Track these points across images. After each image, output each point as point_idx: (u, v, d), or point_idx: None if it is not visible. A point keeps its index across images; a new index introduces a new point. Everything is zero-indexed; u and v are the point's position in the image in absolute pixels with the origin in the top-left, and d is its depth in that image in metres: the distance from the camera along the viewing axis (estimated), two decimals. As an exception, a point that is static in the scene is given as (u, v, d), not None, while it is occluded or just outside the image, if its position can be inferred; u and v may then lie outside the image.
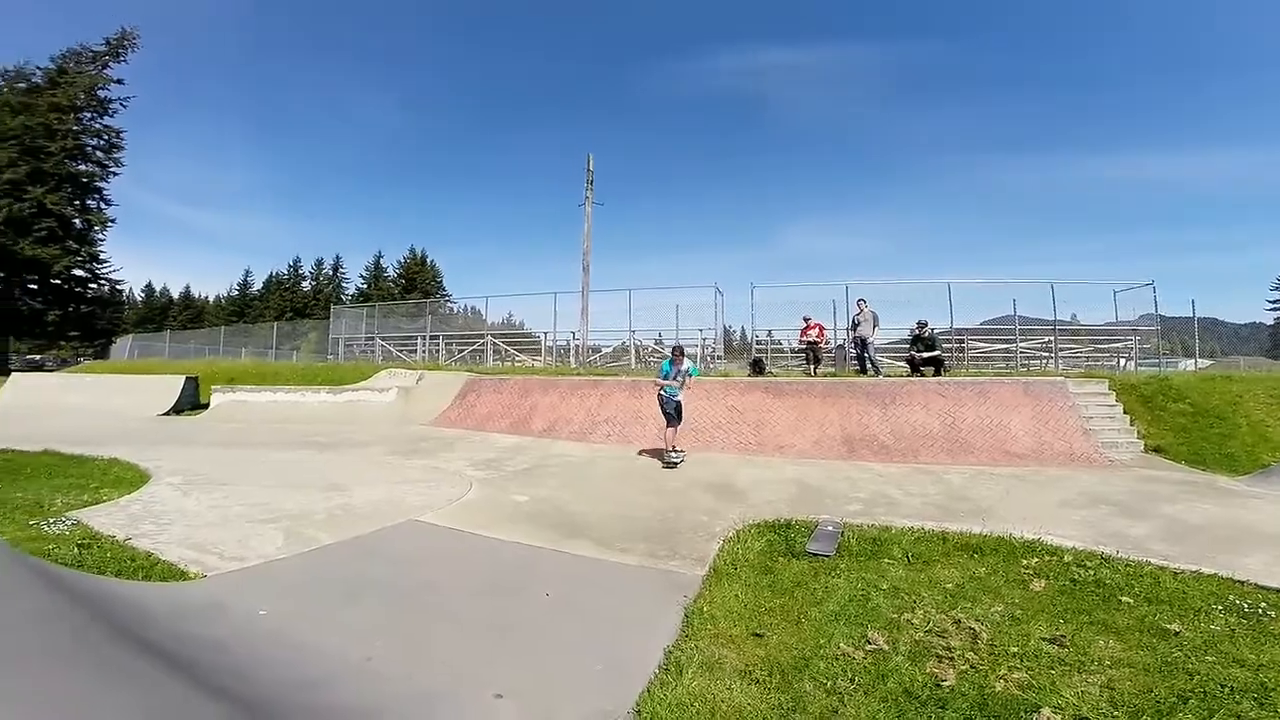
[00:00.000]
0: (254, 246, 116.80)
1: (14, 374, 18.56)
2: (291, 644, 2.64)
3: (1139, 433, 8.65)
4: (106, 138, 37.59)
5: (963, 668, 2.54)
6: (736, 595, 3.37)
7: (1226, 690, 2.36)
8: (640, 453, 8.62)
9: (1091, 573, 3.68)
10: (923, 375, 11.16)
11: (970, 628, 2.90)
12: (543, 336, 20.22)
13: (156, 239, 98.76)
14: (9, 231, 31.91)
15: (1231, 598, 3.27)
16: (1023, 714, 2.21)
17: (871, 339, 12.39)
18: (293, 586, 3.43)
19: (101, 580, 3.10)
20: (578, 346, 18.94)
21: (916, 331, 11.87)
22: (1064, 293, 14.40)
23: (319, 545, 4.20)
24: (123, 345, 32.90)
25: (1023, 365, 14.43)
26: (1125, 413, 9.03)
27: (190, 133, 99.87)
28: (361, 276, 64.92)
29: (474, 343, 20.57)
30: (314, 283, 66.39)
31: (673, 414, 7.88)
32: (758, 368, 13.45)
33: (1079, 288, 15.10)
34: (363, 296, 57.89)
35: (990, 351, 15.19)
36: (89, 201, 37.26)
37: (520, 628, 3.02)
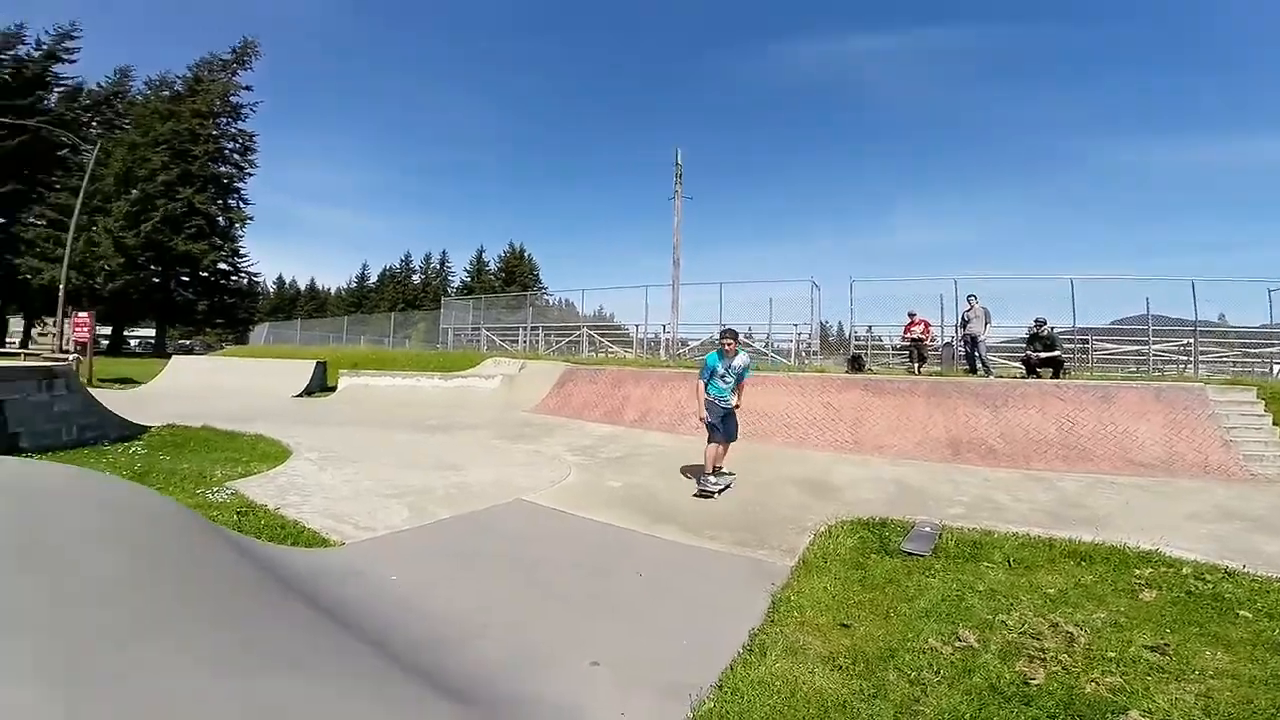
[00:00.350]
0: (371, 242, 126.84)
1: (174, 357, 21.12)
2: (419, 608, 2.96)
3: None
4: (241, 141, 42.00)
5: (1054, 668, 2.50)
6: (825, 587, 3.43)
7: None
8: (733, 448, 8.66)
9: (1211, 586, 3.43)
10: (1039, 377, 10.44)
11: (1068, 631, 2.82)
12: (634, 329, 20.70)
13: (285, 234, 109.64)
14: (165, 229, 36.13)
15: None
16: (1109, 715, 2.17)
17: (983, 337, 11.76)
18: (417, 556, 3.82)
19: (258, 544, 3.60)
20: (668, 339, 19.20)
21: (1034, 330, 11.11)
22: (1208, 291, 12.96)
23: (438, 519, 4.64)
24: (259, 332, 36.71)
25: (1156, 370, 13.12)
26: (1275, 424, 8.06)
27: (313, 135, 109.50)
28: (466, 270, 68.61)
29: (570, 334, 21.33)
30: (423, 276, 71.08)
31: (718, 425, 5.91)
32: (856, 364, 13.08)
33: (1226, 285, 13.52)
34: (466, 289, 61.30)
35: (1120, 354, 13.93)
36: (229, 200, 41.67)
37: (614, 603, 3.25)
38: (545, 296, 33.48)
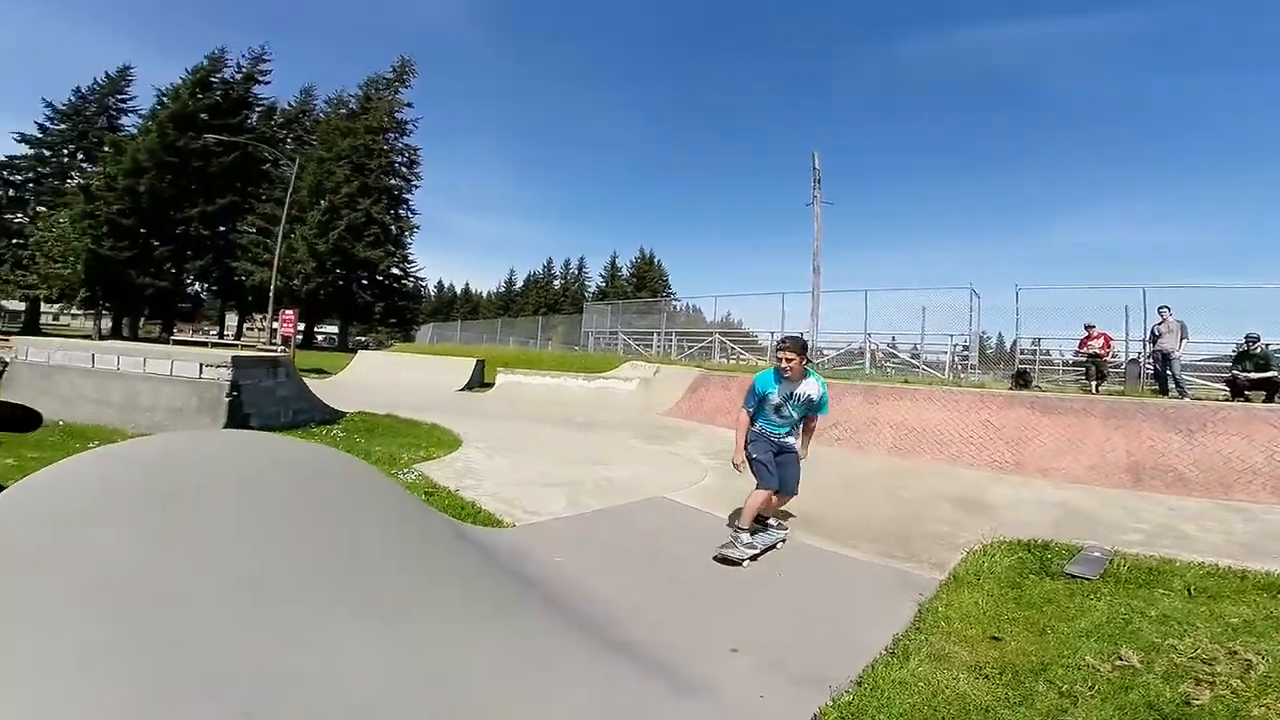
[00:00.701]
0: (517, 248, 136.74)
1: (359, 352, 24.06)
2: (582, 588, 3.26)
3: None
4: (408, 155, 45.99)
5: (1221, 692, 2.33)
6: (976, 602, 3.34)
7: None
8: (875, 458, 8.42)
9: None
10: (1248, 400, 9.02)
11: (1246, 659, 2.58)
12: (769, 336, 20.50)
13: (442, 240, 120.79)
14: (349, 236, 40.56)
15: None
16: None
17: (1176, 354, 10.39)
18: (574, 541, 4.19)
19: (456, 522, 4.02)
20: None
21: (1245, 348, 9.62)
22: None
23: (590, 509, 5.05)
24: (424, 331, 40.69)
25: None
26: None
27: (465, 148, 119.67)
28: (601, 275, 72.26)
29: (701, 340, 21.58)
30: (562, 281, 75.70)
31: (768, 465, 4.11)
32: (1021, 380, 12.04)
33: None
34: (601, 294, 64.28)
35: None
36: (400, 210, 45.82)
37: (752, 599, 3.40)
38: (674, 302, 34.17)
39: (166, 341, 31.18)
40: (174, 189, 39.54)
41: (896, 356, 17.43)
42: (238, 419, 7.74)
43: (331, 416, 9.43)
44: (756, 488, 4.10)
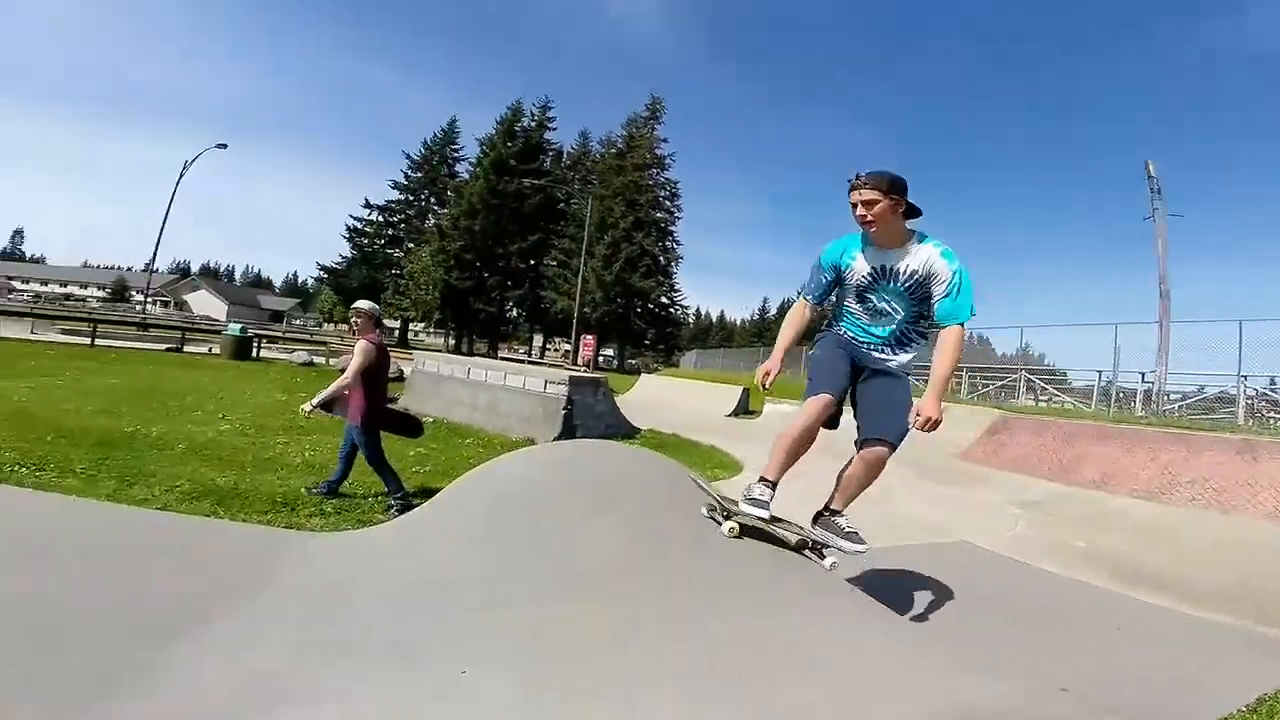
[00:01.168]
0: (769, 276, 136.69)
1: (642, 375, 26.55)
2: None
3: None
4: (669, 188, 49.27)
5: None
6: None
7: None
8: (1257, 527, 6.78)
9: None
10: None
11: None
12: (1097, 376, 17.48)
13: (694, 268, 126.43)
14: (627, 268, 45.00)
15: None
16: None
17: None
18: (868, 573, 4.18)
19: None
20: (1148, 391, 15.58)
21: None
22: None
23: (882, 546, 4.98)
24: (689, 357, 43.17)
25: None
26: None
27: (715, 179, 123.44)
28: None
29: (1003, 377, 19.22)
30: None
31: (825, 367, 2.90)
32: None
33: None
34: None
35: None
36: (667, 242, 49.39)
37: (1084, 649, 3.22)
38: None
39: (494, 357, 38.48)
40: (497, 228, 48.55)
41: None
42: (568, 428, 9.39)
43: (631, 432, 10.82)
44: (805, 397, 2.75)
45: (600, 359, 56.62)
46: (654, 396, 20.64)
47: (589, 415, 9.93)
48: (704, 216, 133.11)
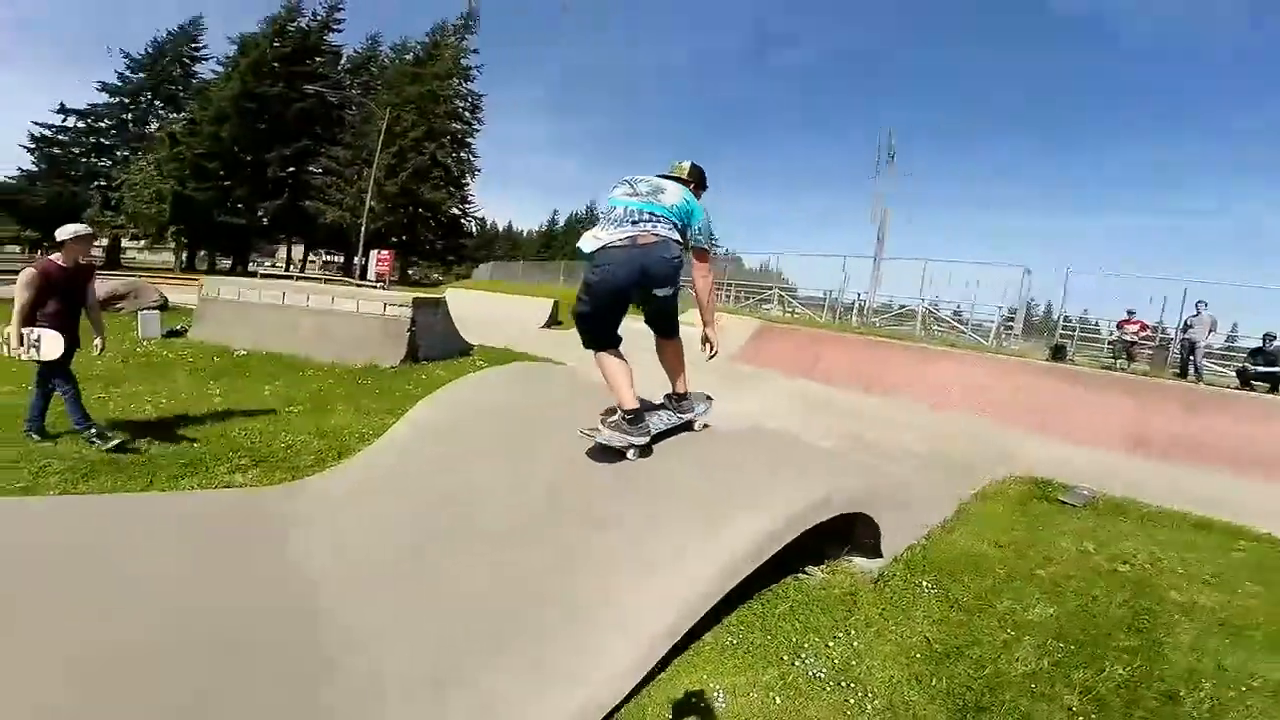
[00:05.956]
0: (559, 189, 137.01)
1: (447, 289, 26.04)
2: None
3: None
4: (471, 100, 47.84)
5: (1138, 569, 4.05)
6: (995, 510, 5.14)
7: None
8: (922, 411, 10.06)
9: None
10: (1253, 389, 10.40)
11: (1159, 558, 4.25)
12: (825, 295, 21.90)
13: (489, 179, 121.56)
14: (415, 179, 43.18)
15: None
16: (1157, 593, 3.67)
17: (1203, 344, 11.68)
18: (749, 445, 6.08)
19: None
20: (862, 307, 20.22)
21: (1261, 345, 10.89)
22: None
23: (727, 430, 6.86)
24: (483, 270, 42.87)
25: None
26: None
27: (504, 82, 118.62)
28: None
29: (760, 292, 23.05)
30: None
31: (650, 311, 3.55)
32: (1059, 353, 13.47)
33: None
34: None
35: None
36: (463, 154, 48.13)
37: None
38: (715, 249, 35.31)
39: (244, 273, 34.15)
40: (251, 134, 42.51)
41: (946, 322, 18.79)
42: (413, 349, 9.77)
43: (467, 349, 11.45)
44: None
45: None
46: (464, 311, 20.54)
47: (431, 335, 10.33)
48: (501, 128, 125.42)
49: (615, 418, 3.39)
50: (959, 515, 4.93)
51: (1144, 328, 13.03)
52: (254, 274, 30.80)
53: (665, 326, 3.64)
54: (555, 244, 75.49)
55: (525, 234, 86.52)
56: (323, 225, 44.21)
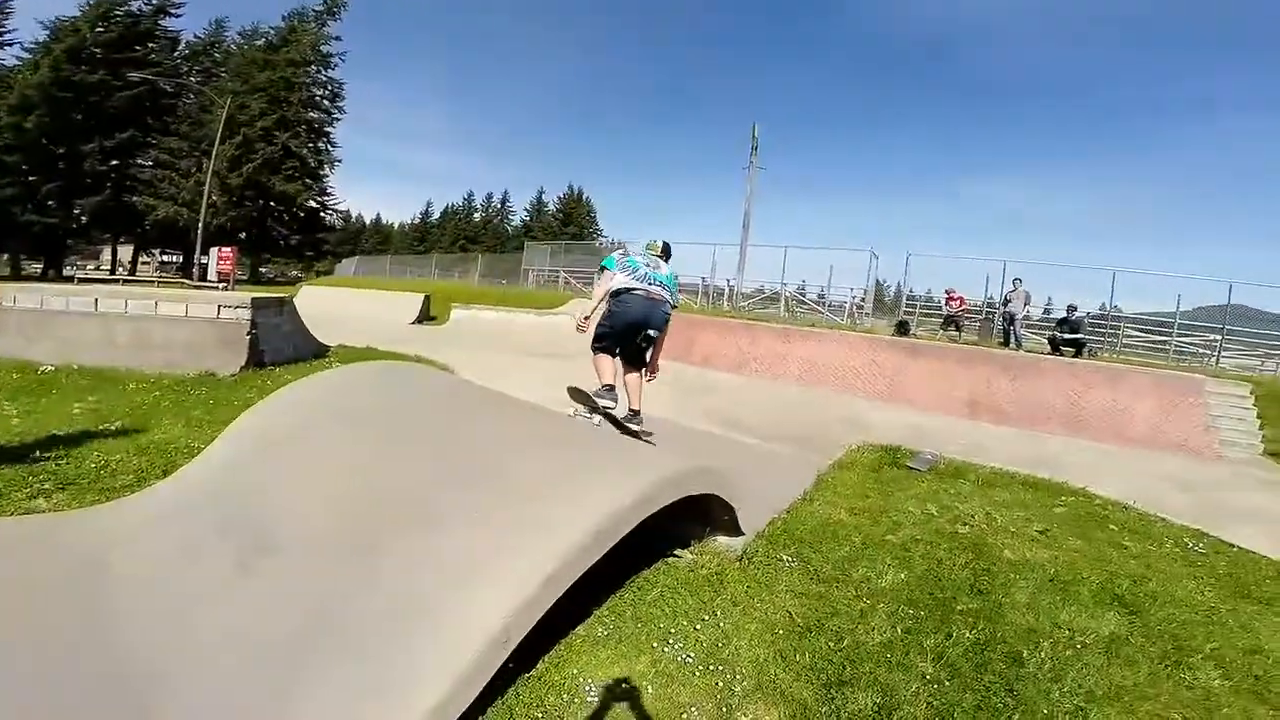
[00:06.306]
0: (434, 179, 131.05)
1: (303, 286, 23.97)
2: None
3: (1265, 437, 9.00)
4: (331, 88, 45.31)
5: (975, 529, 4.45)
6: (851, 478, 5.46)
7: (1122, 572, 3.90)
8: (789, 389, 10.62)
9: (1107, 511, 5.18)
10: (1061, 355, 11.97)
11: (994, 517, 4.72)
12: (700, 281, 22.60)
13: (357, 171, 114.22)
14: (264, 170, 39.97)
15: (1186, 539, 4.64)
16: (994, 553, 4.04)
17: (1020, 315, 13.23)
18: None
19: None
20: (731, 291, 21.02)
21: (1065, 315, 12.56)
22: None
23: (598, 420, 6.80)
24: (347, 265, 40.34)
25: (1180, 358, 14.37)
26: (1259, 417, 9.35)
27: (382, 75, 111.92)
28: (525, 210, 71.95)
29: (641, 282, 23.34)
30: (484, 214, 74.47)
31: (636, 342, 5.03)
32: (902, 329, 14.77)
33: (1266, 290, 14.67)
34: (526, 229, 64.54)
35: (1151, 341, 15.17)
36: (320, 144, 45.27)
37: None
38: (600, 240, 35.71)
39: (59, 278, 29.71)
40: (63, 125, 37.29)
41: (806, 304, 20.02)
42: (255, 354, 8.80)
43: (321, 350, 10.53)
44: (629, 368, 5.31)
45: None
46: (322, 309, 19.04)
47: (275, 337, 9.35)
48: (370, 115, 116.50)
49: (597, 387, 4.96)
50: (818, 485, 5.18)
51: (962, 302, 14.70)
52: (71, 279, 26.54)
53: (641, 359, 5.17)
54: (431, 236, 71.92)
55: (398, 226, 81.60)
56: (155, 222, 39.34)
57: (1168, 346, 14.53)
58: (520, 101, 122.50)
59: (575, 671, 2.64)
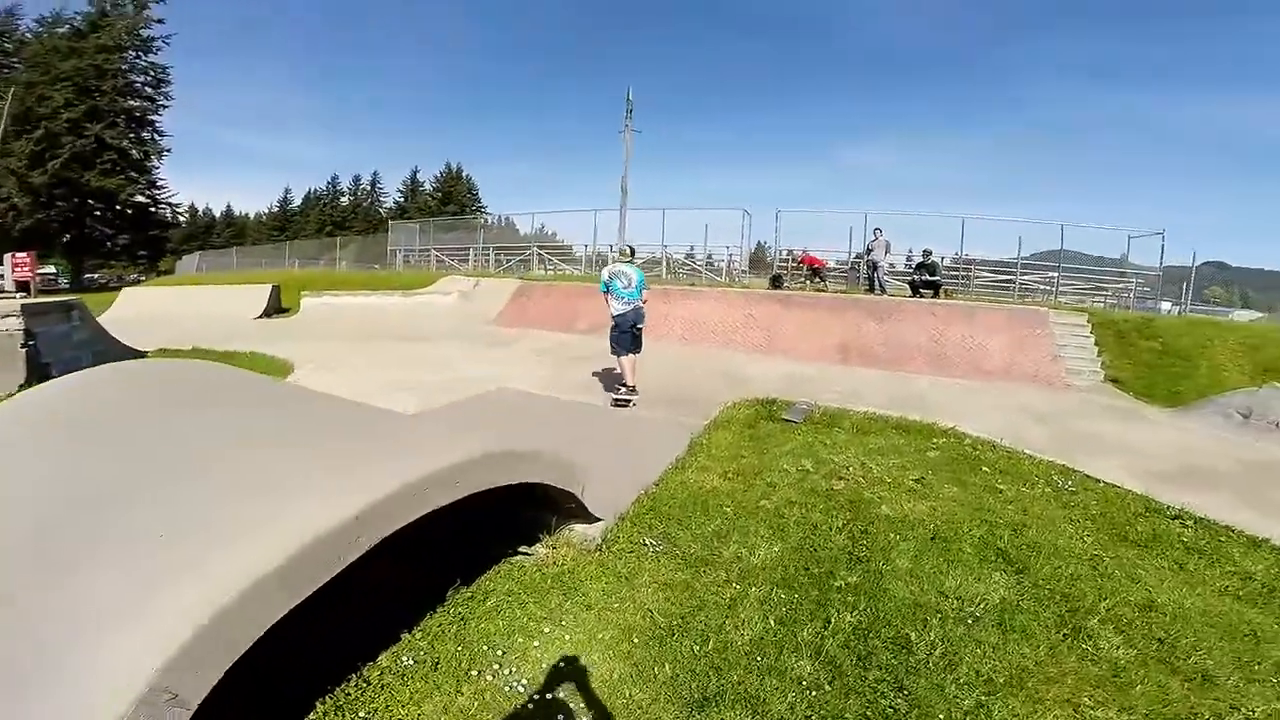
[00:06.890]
0: (293, 165, 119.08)
1: (125, 289, 20.94)
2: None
3: (1104, 363, 9.71)
4: (154, 74, 40.19)
5: (851, 484, 4.26)
6: (726, 438, 5.17)
7: (1001, 521, 3.81)
8: (671, 348, 10.32)
9: (976, 451, 5.20)
10: (921, 297, 12.56)
11: (870, 467, 4.58)
12: (582, 248, 22.00)
13: (195, 160, 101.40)
14: (76, 166, 34.96)
15: (1055, 476, 4.69)
16: (872, 510, 3.85)
17: (882, 263, 13.75)
18: (449, 422, 5.36)
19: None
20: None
21: (921, 260, 13.19)
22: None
23: (450, 403, 6.13)
24: (189, 261, 36.21)
25: (1025, 295, 15.67)
26: (1096, 345, 10.12)
27: (226, 57, 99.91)
28: (399, 191, 67.28)
29: (520, 253, 22.35)
30: (352, 198, 69.00)
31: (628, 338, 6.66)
32: (776, 283, 15.03)
33: (1090, 230, 16.60)
34: (400, 210, 60.46)
35: (998, 281, 16.44)
36: (144, 134, 40.13)
37: (592, 446, 4.74)
38: (486, 216, 34.16)
39: None
40: None
41: (686, 264, 20.00)
42: (37, 368, 7.30)
43: (134, 356, 9.00)
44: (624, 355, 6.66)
45: (39, 279, 41.44)
46: (151, 311, 16.87)
47: (64, 346, 7.81)
48: (217, 104, 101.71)
49: (624, 390, 6.54)
50: (691, 450, 4.85)
51: (814, 260, 15.71)
52: None
53: (637, 346, 6.66)
54: (293, 225, 65.31)
55: (254, 217, 73.40)
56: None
57: (1013, 285, 15.78)
58: (388, 80, 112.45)
59: (364, 717, 2.10)
